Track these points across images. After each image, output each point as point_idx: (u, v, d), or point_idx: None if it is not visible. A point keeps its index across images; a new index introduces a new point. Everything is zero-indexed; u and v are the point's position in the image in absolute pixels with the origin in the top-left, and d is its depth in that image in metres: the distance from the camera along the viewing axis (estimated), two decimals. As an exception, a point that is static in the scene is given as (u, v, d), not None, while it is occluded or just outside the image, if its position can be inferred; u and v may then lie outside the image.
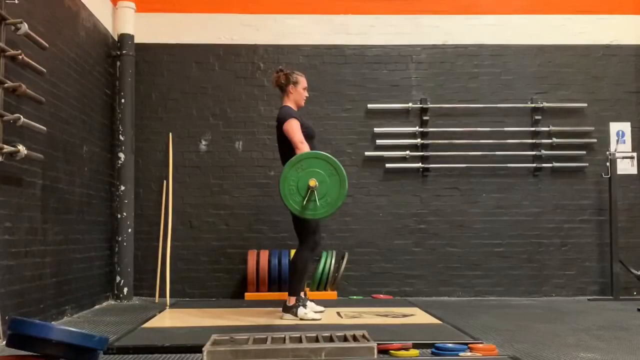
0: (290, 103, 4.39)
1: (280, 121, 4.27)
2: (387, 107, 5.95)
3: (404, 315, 4.40)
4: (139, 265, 5.73)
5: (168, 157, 5.82)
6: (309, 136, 4.35)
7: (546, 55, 6.04)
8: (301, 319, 4.08)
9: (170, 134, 5.86)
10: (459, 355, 2.99)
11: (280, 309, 4.27)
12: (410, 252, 5.89)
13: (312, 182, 3.90)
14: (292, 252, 5.11)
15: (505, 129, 5.95)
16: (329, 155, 4.02)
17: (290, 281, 4.26)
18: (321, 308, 4.49)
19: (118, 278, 5.53)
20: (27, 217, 3.86)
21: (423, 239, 5.91)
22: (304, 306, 4.15)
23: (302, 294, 4.23)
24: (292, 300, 4.17)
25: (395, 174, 5.94)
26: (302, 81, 4.47)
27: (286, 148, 4.28)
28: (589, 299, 5.65)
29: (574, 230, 5.94)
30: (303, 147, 4.10)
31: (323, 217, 4.07)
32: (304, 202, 3.93)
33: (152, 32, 5.91)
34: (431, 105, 5.94)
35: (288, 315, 4.15)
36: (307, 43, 5.99)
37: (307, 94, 4.51)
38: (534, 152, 5.93)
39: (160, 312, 4.66)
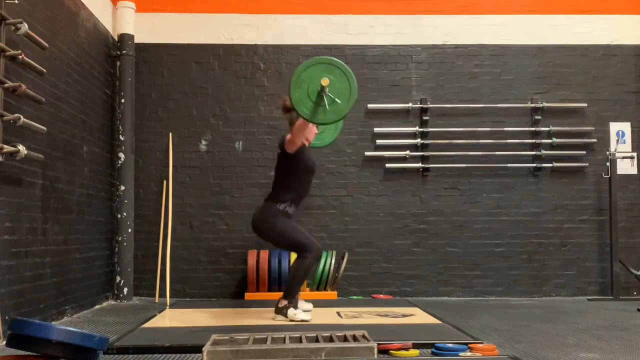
0: None
1: (281, 142, 4.26)
2: (387, 107, 5.95)
3: (404, 315, 4.40)
4: (139, 265, 5.73)
5: (168, 157, 5.82)
6: (308, 169, 4.36)
7: (546, 55, 6.04)
8: (291, 320, 4.09)
9: (170, 134, 5.86)
10: (459, 355, 2.99)
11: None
12: (410, 252, 5.89)
13: (325, 81, 3.69)
14: (293, 253, 5.12)
15: (505, 129, 5.95)
16: (340, 61, 3.82)
17: (289, 285, 4.23)
18: (310, 306, 4.50)
19: (118, 278, 5.53)
20: (27, 217, 3.86)
21: (423, 239, 5.91)
22: (295, 307, 4.16)
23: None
24: (284, 302, 4.17)
25: (395, 174, 5.94)
26: None
27: (281, 176, 4.31)
28: (589, 299, 5.65)
29: (574, 230, 5.94)
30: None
31: (333, 122, 3.92)
32: (315, 105, 3.73)
33: (152, 32, 5.91)
34: (431, 105, 5.94)
35: (279, 317, 4.16)
36: (307, 43, 5.99)
37: (317, 130, 4.43)
38: (534, 152, 5.93)
39: (160, 312, 4.66)
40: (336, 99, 3.76)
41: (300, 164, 4.31)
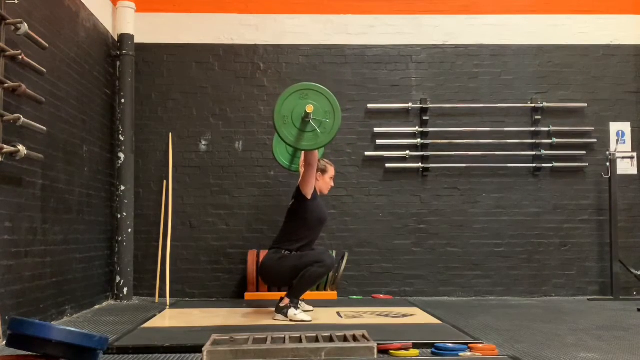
0: None
1: (297, 186, 4.31)
2: (387, 107, 5.95)
3: (404, 315, 4.40)
4: (139, 265, 5.73)
5: (168, 157, 5.82)
6: (319, 220, 4.37)
7: (546, 55, 6.04)
8: (291, 320, 4.09)
9: (170, 134, 5.86)
10: (459, 355, 2.99)
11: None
12: (410, 252, 5.89)
13: (309, 108, 3.82)
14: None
15: (505, 129, 5.95)
16: (326, 89, 3.96)
17: (295, 286, 4.19)
18: (310, 308, 4.50)
19: (118, 278, 5.53)
20: (27, 217, 3.86)
21: (423, 239, 5.91)
22: (295, 307, 4.16)
23: None
24: (286, 301, 4.17)
25: (395, 174, 5.94)
26: (331, 170, 4.54)
27: (292, 222, 4.31)
28: (589, 299, 5.65)
29: (574, 230, 5.94)
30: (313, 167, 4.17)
31: (316, 149, 4.01)
32: (300, 131, 3.87)
33: (152, 32, 5.91)
34: (431, 105, 5.94)
35: (279, 316, 4.16)
36: (307, 43, 5.99)
37: (333, 184, 4.56)
38: (534, 152, 5.93)
39: (160, 312, 4.66)
40: (323, 120, 3.90)
41: (313, 212, 4.32)
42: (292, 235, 4.30)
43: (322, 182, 4.48)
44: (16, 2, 3.67)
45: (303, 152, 4.20)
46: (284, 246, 4.28)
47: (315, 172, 4.28)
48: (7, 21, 3.57)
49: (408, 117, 5.98)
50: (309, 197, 4.28)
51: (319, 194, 4.45)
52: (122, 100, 5.64)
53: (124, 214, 5.57)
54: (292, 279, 4.21)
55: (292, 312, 4.12)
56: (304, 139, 3.92)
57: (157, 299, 5.53)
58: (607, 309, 4.97)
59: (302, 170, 4.39)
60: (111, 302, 5.50)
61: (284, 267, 4.20)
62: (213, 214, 5.85)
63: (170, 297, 5.40)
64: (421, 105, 5.94)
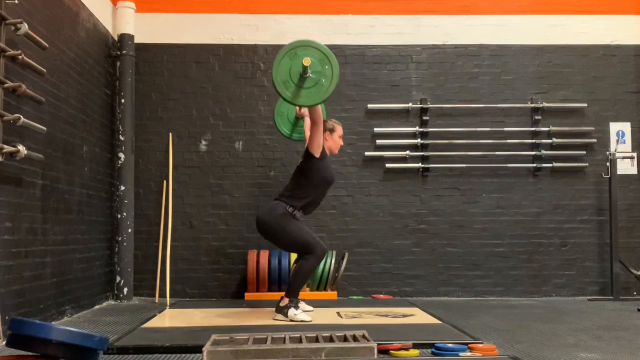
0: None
1: (306, 149, 4.33)
2: (387, 107, 5.95)
3: (404, 315, 4.40)
4: (139, 265, 5.73)
5: (168, 157, 5.82)
6: (327, 180, 4.38)
7: (546, 55, 6.04)
8: (291, 320, 4.09)
9: (170, 134, 5.86)
10: (459, 355, 2.99)
11: (279, 309, 4.27)
12: (410, 252, 5.89)
13: (307, 61, 3.79)
14: (293, 253, 5.13)
15: (505, 129, 5.95)
16: (311, 40, 3.97)
17: (291, 284, 4.23)
18: (310, 308, 4.50)
19: (118, 278, 5.53)
20: (27, 217, 3.86)
21: (423, 239, 5.91)
22: (296, 307, 4.16)
23: None
24: (285, 301, 4.17)
25: (395, 174, 5.94)
26: (339, 129, 4.54)
27: (299, 178, 4.33)
28: (589, 299, 5.65)
29: (574, 230, 5.94)
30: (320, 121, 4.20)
31: (314, 104, 4.00)
32: (298, 86, 3.86)
33: (152, 32, 5.91)
34: (431, 105, 5.94)
35: (279, 316, 4.16)
36: (307, 43, 5.98)
37: (342, 142, 4.57)
38: (534, 152, 5.93)
39: (160, 312, 4.66)
40: (322, 70, 3.85)
41: (321, 172, 4.33)
42: (297, 192, 4.30)
43: (331, 142, 4.47)
44: (16, 2, 3.67)
45: (307, 115, 4.24)
46: (289, 201, 4.28)
47: (321, 130, 4.27)
48: (7, 21, 3.57)
49: (408, 117, 5.98)
50: (318, 155, 4.28)
51: (328, 153, 4.44)
52: (122, 100, 5.64)
53: (124, 214, 5.57)
54: (283, 245, 4.29)
55: (292, 312, 4.12)
56: (311, 95, 3.88)
57: (157, 299, 5.53)
58: (607, 309, 4.97)
59: (307, 134, 4.43)
60: (111, 302, 5.50)
61: (280, 228, 4.21)
62: (213, 214, 5.85)
63: (170, 297, 5.40)
64: (421, 105, 5.94)
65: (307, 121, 4.67)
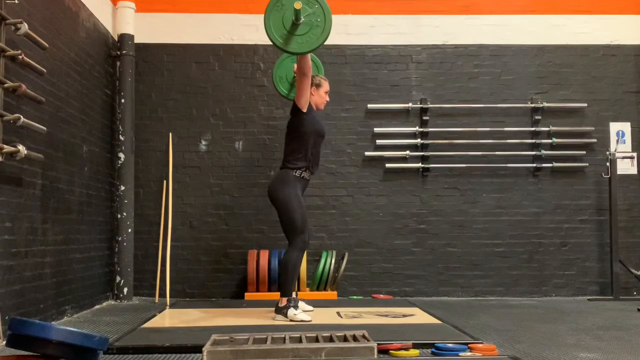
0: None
1: (293, 104, 4.36)
2: (387, 107, 5.95)
3: (404, 315, 4.40)
4: (139, 265, 5.73)
5: (168, 157, 5.82)
6: (319, 132, 4.41)
7: (546, 55, 6.04)
8: (291, 320, 4.09)
9: (170, 134, 5.86)
10: (459, 355, 2.99)
11: (277, 309, 4.27)
12: (410, 252, 5.89)
13: (298, 5, 3.80)
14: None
15: (505, 129, 5.95)
16: None
17: (280, 282, 4.26)
18: (310, 307, 4.50)
19: (118, 278, 5.53)
20: (27, 217, 3.86)
21: (423, 239, 5.91)
22: (295, 307, 4.16)
23: (293, 294, 4.24)
24: (283, 301, 4.17)
25: (395, 174, 5.94)
26: (325, 85, 4.57)
27: (292, 141, 4.35)
28: (589, 299, 5.65)
29: (574, 230, 5.94)
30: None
31: (306, 52, 4.02)
32: (290, 32, 3.88)
33: (152, 32, 5.91)
34: (431, 105, 5.94)
35: (279, 317, 4.16)
36: (307, 43, 5.98)
37: (328, 99, 4.60)
38: (534, 152, 5.93)
39: (160, 312, 4.66)
40: (313, 12, 3.91)
41: (310, 125, 4.35)
42: (294, 153, 4.32)
43: (317, 97, 4.49)
44: (16, 2, 3.67)
45: (297, 62, 4.26)
46: (292, 165, 4.31)
47: (309, 82, 4.30)
48: (7, 21, 3.57)
49: (408, 117, 5.98)
50: (305, 109, 4.32)
51: (315, 108, 4.48)
52: (122, 100, 5.64)
53: (124, 214, 5.57)
54: (281, 217, 4.28)
55: (292, 312, 4.12)
56: (309, 42, 3.92)
57: (157, 299, 5.53)
58: (607, 309, 4.97)
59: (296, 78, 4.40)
60: (111, 302, 5.50)
61: (284, 198, 4.23)
62: (213, 214, 5.86)
63: (170, 297, 5.40)
64: (421, 105, 5.94)
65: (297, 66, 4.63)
